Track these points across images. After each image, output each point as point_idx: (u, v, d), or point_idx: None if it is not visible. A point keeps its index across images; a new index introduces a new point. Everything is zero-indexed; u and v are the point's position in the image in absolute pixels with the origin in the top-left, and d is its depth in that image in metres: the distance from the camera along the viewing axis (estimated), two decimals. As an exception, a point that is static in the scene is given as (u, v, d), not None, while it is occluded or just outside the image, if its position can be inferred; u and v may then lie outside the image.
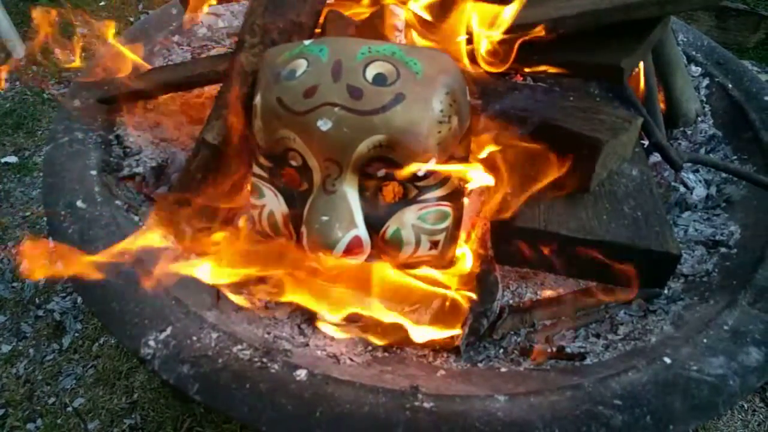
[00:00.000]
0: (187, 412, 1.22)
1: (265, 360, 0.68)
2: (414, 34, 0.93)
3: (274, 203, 0.79)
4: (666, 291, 0.89)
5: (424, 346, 0.83)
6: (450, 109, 0.74)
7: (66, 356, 1.34)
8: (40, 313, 1.43)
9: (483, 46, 0.93)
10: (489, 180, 0.77)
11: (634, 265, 0.81)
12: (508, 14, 0.88)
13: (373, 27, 0.92)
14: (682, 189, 1.06)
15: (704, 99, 1.21)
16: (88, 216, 0.85)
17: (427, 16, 0.93)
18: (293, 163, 0.76)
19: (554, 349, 0.83)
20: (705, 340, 0.73)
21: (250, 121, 0.80)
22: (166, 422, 1.21)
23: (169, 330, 0.71)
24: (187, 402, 1.22)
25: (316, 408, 0.64)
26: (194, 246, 0.85)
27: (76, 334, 1.38)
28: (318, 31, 0.94)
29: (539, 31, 0.88)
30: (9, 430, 1.22)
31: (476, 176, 0.75)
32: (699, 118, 1.18)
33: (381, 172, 0.74)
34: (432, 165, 0.73)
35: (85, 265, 0.74)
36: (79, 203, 0.87)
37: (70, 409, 1.24)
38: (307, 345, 0.79)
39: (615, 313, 0.88)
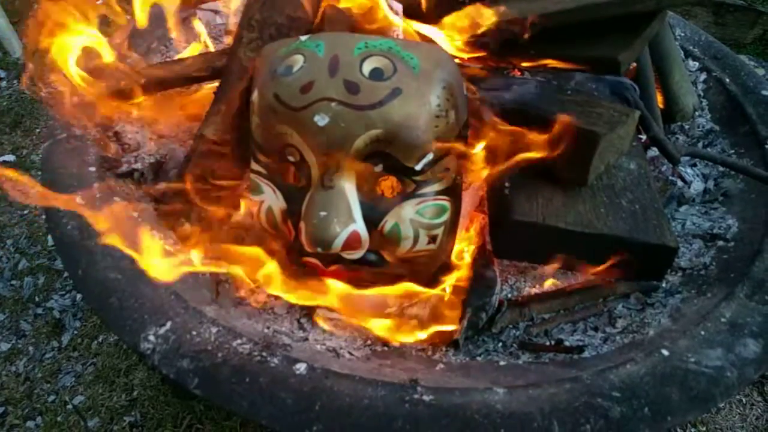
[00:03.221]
0: (187, 409, 1.22)
1: (264, 354, 0.68)
2: (412, 29, 0.93)
3: (272, 199, 0.79)
4: (664, 284, 0.89)
5: (423, 340, 0.83)
6: (447, 104, 0.74)
7: (65, 354, 1.34)
8: (40, 311, 1.43)
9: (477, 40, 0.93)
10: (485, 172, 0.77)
11: (632, 258, 0.81)
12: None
13: (371, 22, 0.92)
14: (679, 183, 1.06)
15: (702, 93, 1.21)
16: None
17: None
18: (291, 158, 0.76)
19: (553, 343, 0.84)
20: (703, 333, 0.74)
21: (248, 117, 0.80)
22: (166, 419, 1.21)
23: (168, 325, 0.71)
24: (187, 399, 1.23)
25: (315, 401, 0.64)
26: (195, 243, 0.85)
27: (75, 332, 1.38)
28: (317, 22, 0.94)
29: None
30: (9, 428, 1.22)
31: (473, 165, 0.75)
32: (696, 113, 1.18)
33: (379, 167, 0.74)
34: (429, 159, 0.73)
35: None
36: (77, 200, 0.87)
37: (69, 406, 1.24)
38: (307, 339, 0.79)
39: (613, 306, 0.88)
